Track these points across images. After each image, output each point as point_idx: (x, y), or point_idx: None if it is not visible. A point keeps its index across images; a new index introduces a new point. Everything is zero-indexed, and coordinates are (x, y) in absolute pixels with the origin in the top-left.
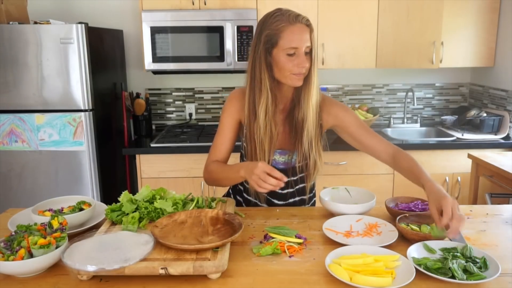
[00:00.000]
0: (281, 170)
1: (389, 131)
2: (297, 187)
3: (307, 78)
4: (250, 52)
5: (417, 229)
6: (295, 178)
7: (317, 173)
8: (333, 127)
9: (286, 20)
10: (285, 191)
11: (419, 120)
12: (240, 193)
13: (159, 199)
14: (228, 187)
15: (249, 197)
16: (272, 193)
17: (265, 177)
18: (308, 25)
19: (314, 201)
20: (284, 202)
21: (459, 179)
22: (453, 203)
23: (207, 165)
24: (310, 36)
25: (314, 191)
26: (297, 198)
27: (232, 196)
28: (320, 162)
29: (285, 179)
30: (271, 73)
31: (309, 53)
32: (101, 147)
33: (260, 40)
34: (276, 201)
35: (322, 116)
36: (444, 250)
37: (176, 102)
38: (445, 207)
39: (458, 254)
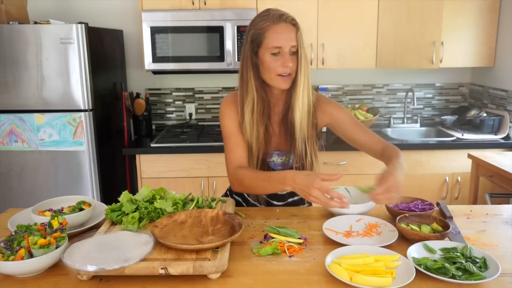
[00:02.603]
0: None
1: (389, 131)
2: None
3: (294, 79)
4: (241, 52)
5: (417, 229)
6: None
7: None
8: (328, 125)
9: (270, 19)
10: (284, 192)
11: (419, 120)
12: (240, 194)
13: (159, 199)
14: (228, 187)
15: (248, 198)
16: (271, 195)
17: (326, 200)
18: (294, 24)
19: None
20: (283, 203)
21: (459, 179)
22: (394, 182)
23: (233, 171)
24: (296, 36)
25: None
26: (295, 198)
27: (229, 195)
28: (316, 162)
29: (345, 199)
30: (258, 74)
31: (295, 53)
32: (101, 147)
33: (248, 40)
34: (275, 202)
35: (317, 115)
36: (444, 250)
37: (176, 102)
38: (386, 180)
39: (458, 254)
